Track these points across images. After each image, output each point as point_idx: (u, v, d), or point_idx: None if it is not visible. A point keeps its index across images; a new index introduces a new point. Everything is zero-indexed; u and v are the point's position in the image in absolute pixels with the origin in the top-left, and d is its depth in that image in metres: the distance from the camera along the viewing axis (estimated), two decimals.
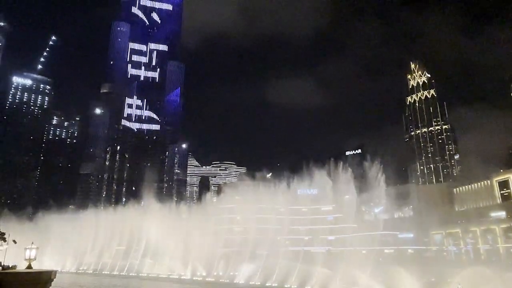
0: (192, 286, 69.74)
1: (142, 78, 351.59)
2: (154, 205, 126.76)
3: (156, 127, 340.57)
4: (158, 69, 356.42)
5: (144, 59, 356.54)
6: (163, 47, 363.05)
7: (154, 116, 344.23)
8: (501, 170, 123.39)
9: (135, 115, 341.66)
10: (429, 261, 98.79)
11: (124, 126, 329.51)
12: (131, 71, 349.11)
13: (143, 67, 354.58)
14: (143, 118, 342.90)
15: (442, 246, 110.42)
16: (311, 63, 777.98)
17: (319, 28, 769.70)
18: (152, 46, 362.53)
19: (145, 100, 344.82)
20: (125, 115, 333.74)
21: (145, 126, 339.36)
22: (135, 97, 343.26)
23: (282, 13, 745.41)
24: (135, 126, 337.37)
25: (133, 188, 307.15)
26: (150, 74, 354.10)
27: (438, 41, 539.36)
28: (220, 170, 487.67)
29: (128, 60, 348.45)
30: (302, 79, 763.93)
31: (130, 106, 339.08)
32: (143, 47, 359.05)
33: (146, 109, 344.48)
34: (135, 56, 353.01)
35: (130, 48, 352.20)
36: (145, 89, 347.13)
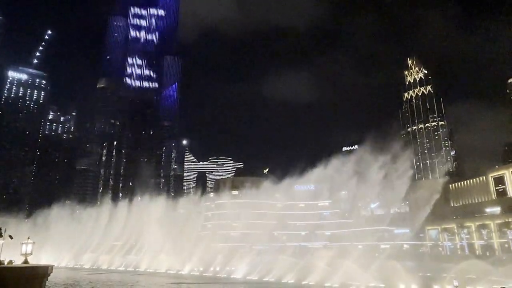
0: (188, 281, 69.92)
1: (139, 72, 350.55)
2: (150, 202, 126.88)
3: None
4: (155, 65, 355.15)
5: (141, 55, 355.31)
6: (159, 46, 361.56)
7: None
8: (497, 166, 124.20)
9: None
10: (424, 256, 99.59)
11: (120, 121, 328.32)
12: (128, 66, 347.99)
13: (140, 62, 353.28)
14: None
15: (438, 241, 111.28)
16: (308, 57, 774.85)
17: (316, 21, 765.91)
18: (150, 36, 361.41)
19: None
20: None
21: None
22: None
23: (278, 6, 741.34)
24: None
25: (130, 184, 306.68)
26: (147, 72, 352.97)
27: (435, 36, 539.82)
28: (217, 165, 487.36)
29: (125, 55, 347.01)
30: (299, 73, 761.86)
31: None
32: (140, 40, 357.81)
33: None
34: (132, 51, 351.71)
35: (127, 43, 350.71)
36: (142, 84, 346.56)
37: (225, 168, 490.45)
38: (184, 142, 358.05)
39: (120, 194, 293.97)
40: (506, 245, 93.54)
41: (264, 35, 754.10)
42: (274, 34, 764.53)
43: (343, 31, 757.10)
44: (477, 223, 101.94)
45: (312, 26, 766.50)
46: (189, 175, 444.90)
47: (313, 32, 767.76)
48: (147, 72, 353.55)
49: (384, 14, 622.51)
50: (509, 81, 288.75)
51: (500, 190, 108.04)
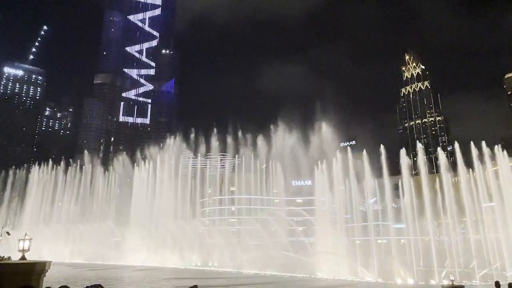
0: (183, 276, 70.29)
1: (136, 68, 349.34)
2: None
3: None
4: (152, 60, 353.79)
5: (137, 51, 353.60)
6: (155, 41, 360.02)
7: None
8: (493, 161, 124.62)
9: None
10: (421, 251, 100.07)
11: (117, 116, 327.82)
12: (125, 61, 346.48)
13: (137, 57, 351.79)
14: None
15: (434, 236, 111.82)
16: (304, 48, 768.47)
17: (313, 11, 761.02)
18: (146, 31, 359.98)
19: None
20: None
21: (139, 120, 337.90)
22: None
23: None
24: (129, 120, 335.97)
25: (128, 180, 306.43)
26: (144, 67, 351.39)
27: (433, 29, 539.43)
28: (214, 161, 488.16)
29: (121, 50, 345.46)
30: (294, 65, 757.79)
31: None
32: (136, 35, 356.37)
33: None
34: (129, 46, 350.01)
35: (124, 38, 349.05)
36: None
37: (223, 163, 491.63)
38: (182, 138, 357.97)
39: (118, 191, 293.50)
40: (501, 240, 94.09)
41: (259, 25, 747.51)
42: (268, 24, 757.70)
43: (341, 22, 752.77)
44: (474, 218, 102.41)
45: (309, 15, 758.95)
46: (186, 171, 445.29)
47: (309, 22, 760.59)
48: (144, 67, 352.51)
49: (382, 5, 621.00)
50: (505, 76, 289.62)
51: (496, 185, 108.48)
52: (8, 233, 29.68)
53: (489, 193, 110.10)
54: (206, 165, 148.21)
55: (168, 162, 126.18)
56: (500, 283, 21.86)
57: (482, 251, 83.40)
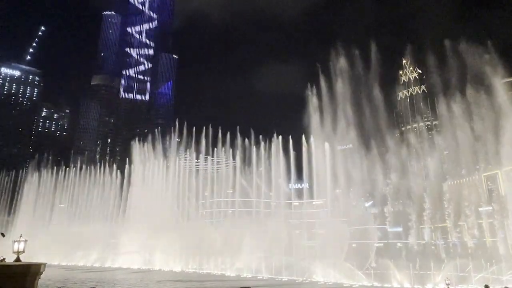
0: (178, 279, 70.07)
1: (133, 69, 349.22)
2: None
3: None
4: (150, 62, 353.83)
5: (135, 51, 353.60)
6: (155, 39, 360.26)
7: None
8: (489, 166, 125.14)
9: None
10: (417, 254, 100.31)
11: (114, 118, 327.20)
12: (122, 63, 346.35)
13: (135, 59, 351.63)
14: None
15: (431, 240, 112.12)
16: (302, 49, 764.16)
17: (310, 11, 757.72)
18: (144, 33, 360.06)
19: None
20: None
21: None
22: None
23: None
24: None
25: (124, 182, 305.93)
26: (142, 69, 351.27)
27: (431, 29, 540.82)
28: (212, 163, 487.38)
29: (119, 52, 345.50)
30: (293, 65, 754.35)
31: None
32: (134, 37, 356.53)
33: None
34: (127, 48, 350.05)
35: (122, 40, 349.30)
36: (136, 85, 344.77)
37: (220, 166, 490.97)
38: (179, 140, 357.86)
39: (115, 192, 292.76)
40: (498, 244, 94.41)
41: (257, 25, 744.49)
42: (266, 25, 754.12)
43: (339, 22, 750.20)
44: (470, 222, 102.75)
45: (307, 14, 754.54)
46: (184, 173, 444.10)
47: (307, 21, 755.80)
48: (141, 69, 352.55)
49: (381, 6, 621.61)
50: (503, 81, 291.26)
51: (492, 189, 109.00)
52: (2, 234, 29.51)
53: (485, 197, 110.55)
54: (199, 167, 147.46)
55: (166, 164, 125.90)
56: (495, 287, 21.91)
57: (478, 255, 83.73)
